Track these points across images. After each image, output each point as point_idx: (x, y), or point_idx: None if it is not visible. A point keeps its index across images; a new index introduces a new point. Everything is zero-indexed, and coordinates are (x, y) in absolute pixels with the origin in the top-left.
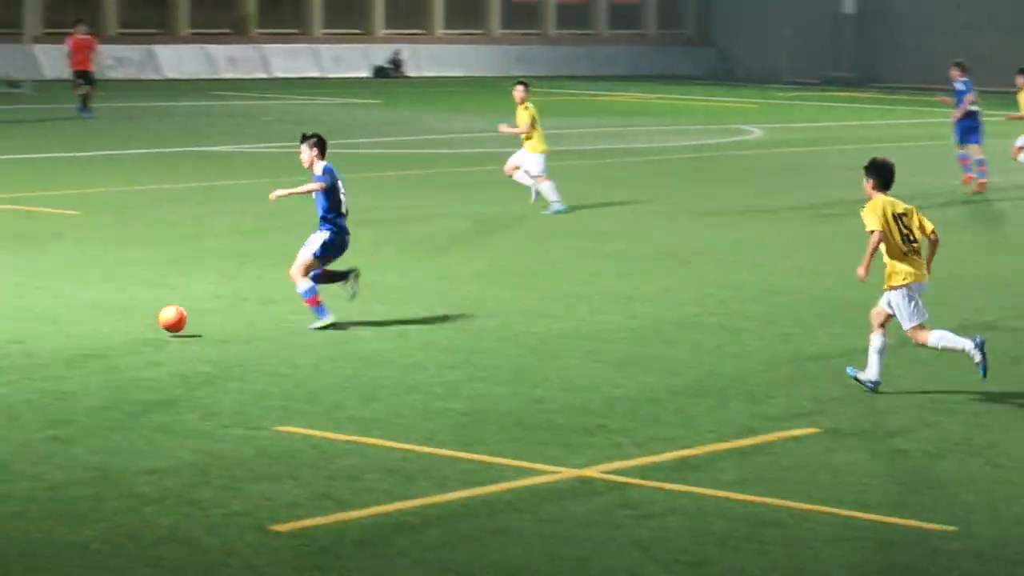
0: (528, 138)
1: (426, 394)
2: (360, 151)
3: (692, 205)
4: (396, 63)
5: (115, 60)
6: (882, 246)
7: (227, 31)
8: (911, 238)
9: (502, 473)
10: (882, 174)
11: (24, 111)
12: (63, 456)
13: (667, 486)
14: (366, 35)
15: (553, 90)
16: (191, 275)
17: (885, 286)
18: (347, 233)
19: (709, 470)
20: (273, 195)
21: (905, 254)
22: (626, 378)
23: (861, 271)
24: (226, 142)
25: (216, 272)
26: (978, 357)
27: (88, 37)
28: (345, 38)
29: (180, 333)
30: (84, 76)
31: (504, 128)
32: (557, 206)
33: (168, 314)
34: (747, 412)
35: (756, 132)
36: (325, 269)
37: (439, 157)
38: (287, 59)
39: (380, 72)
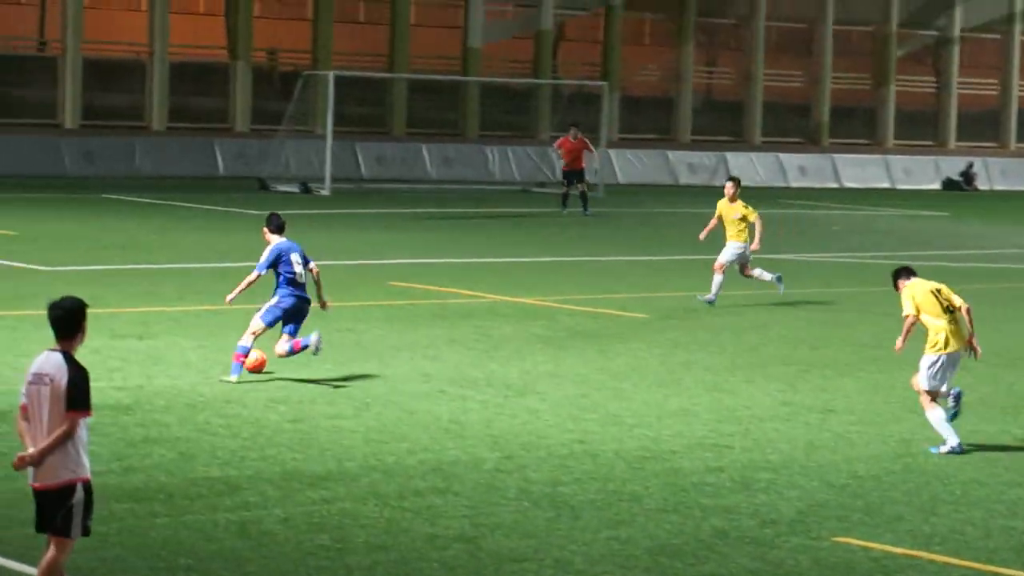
0: None
1: (987, 511)
2: (928, 263)
3: None
4: (967, 176)
5: (687, 167)
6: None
7: (799, 140)
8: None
9: None
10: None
11: (596, 215)
12: (622, 557)
13: None
14: (938, 147)
15: None
16: (754, 382)
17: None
18: (297, 300)
19: None
20: (228, 298)
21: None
22: None
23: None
24: (791, 250)
25: (779, 380)
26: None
27: (580, 140)
28: (916, 149)
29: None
30: (575, 176)
31: None
32: None
33: (254, 357)
34: None
35: None
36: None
37: (1008, 272)
38: (858, 169)
39: (950, 184)
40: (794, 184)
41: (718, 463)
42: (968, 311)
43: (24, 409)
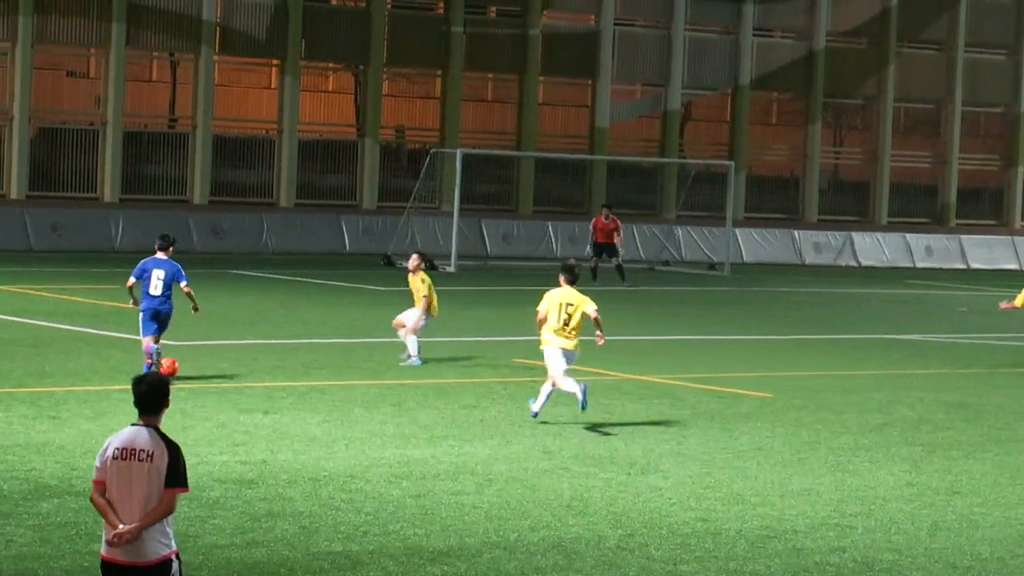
0: None
1: None
2: None
3: None
4: None
5: (813, 246)
6: None
7: (926, 220)
8: None
9: None
10: None
11: (721, 293)
12: None
13: None
14: None
15: None
16: (878, 462)
17: None
18: (157, 309)
19: None
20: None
21: None
22: None
23: None
24: (916, 330)
25: (903, 460)
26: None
27: (612, 220)
28: None
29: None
30: (605, 250)
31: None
32: None
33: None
34: None
35: None
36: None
37: None
38: (985, 250)
39: None
40: (920, 264)
41: (841, 543)
42: None
43: (101, 484)
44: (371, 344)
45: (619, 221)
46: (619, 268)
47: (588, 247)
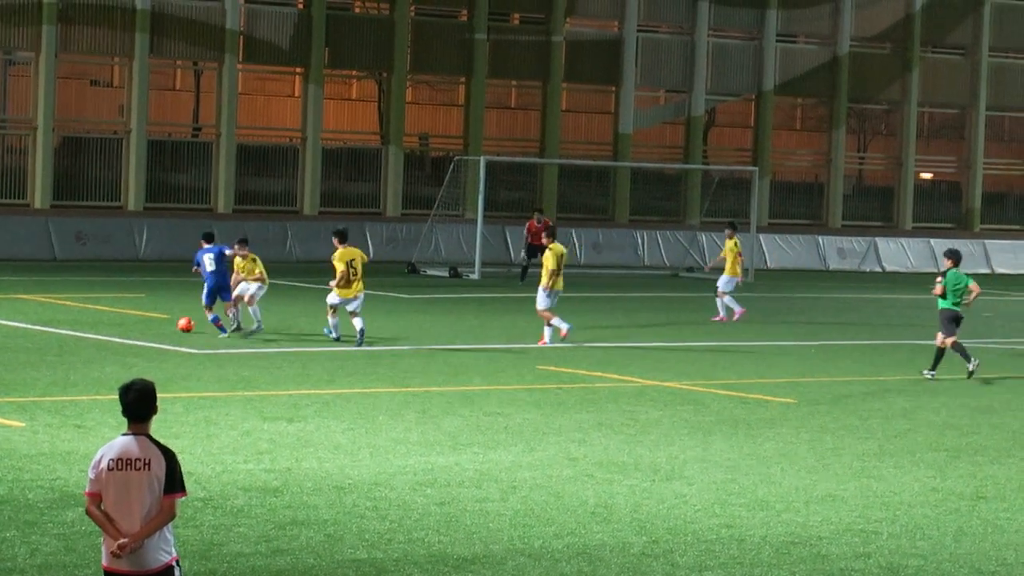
0: None
1: None
2: None
3: None
4: None
5: (838, 252)
6: None
7: (950, 226)
8: None
9: None
10: None
11: (745, 299)
12: None
13: None
14: None
15: None
16: (903, 468)
17: None
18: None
19: None
20: None
21: None
22: None
23: None
24: None
25: (928, 466)
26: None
27: (544, 223)
28: None
29: None
30: (540, 251)
31: None
32: None
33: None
34: None
35: None
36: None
37: None
38: (1009, 255)
39: None
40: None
41: (866, 549)
42: None
43: (97, 496)
44: (396, 352)
45: (550, 224)
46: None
47: (522, 250)
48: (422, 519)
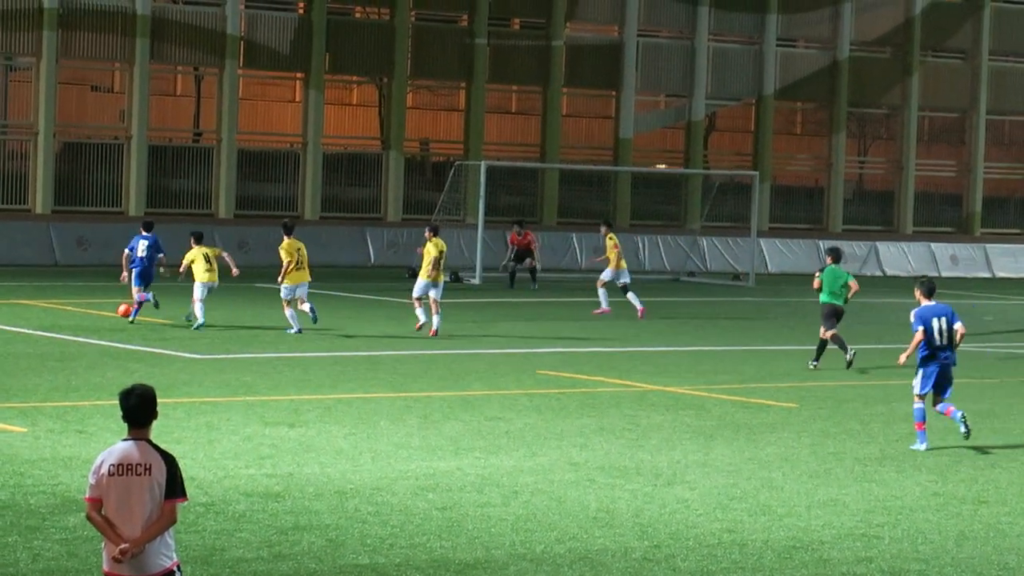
0: None
1: None
2: None
3: None
4: None
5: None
6: None
7: (950, 230)
8: None
9: None
10: None
11: (746, 303)
12: None
13: None
14: None
15: None
16: (905, 472)
17: None
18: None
19: None
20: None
21: None
22: None
23: None
24: None
25: (929, 470)
26: None
27: (525, 235)
28: None
29: None
30: (528, 255)
31: None
32: None
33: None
34: None
35: None
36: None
37: None
38: (1010, 259)
39: None
40: (946, 274)
41: (867, 553)
42: None
43: (97, 502)
44: (396, 357)
45: (532, 235)
46: (532, 270)
47: (509, 256)
48: (424, 524)
